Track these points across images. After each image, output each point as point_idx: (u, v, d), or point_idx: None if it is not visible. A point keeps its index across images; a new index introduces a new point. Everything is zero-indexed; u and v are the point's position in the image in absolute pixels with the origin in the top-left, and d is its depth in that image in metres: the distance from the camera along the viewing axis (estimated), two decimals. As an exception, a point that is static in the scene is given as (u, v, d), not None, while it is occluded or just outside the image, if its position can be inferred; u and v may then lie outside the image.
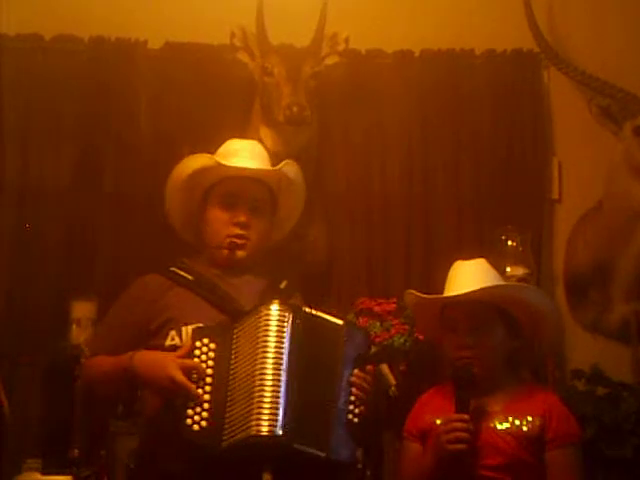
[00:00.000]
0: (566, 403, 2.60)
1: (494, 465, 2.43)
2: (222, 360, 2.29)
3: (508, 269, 3.25)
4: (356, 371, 2.32)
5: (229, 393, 2.25)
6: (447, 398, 2.51)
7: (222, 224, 2.54)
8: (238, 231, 2.53)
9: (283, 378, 2.20)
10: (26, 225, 3.44)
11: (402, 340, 3.15)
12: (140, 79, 3.56)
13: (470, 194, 3.59)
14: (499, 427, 2.47)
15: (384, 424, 2.94)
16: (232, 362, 2.28)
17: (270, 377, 2.20)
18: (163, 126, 3.53)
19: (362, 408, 2.30)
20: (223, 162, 2.56)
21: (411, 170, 3.60)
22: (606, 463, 3.05)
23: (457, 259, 2.64)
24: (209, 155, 2.60)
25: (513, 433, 2.46)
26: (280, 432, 2.16)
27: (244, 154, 2.60)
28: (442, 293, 2.60)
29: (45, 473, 2.95)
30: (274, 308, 2.27)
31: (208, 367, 2.29)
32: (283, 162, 2.63)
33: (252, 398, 2.19)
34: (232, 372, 2.27)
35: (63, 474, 2.93)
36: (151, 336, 2.44)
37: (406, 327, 3.17)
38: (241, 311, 2.38)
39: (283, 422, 2.17)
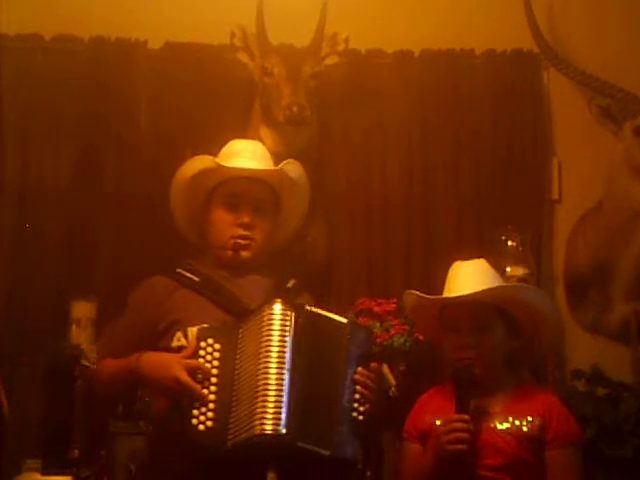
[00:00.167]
0: (566, 403, 2.60)
1: (494, 465, 2.43)
2: (227, 360, 2.29)
3: (508, 269, 3.25)
4: (360, 369, 2.32)
5: (234, 393, 2.26)
6: (447, 398, 2.51)
7: (226, 225, 2.55)
8: (242, 232, 2.53)
9: (286, 377, 2.21)
10: (26, 225, 3.43)
11: (402, 340, 3.15)
12: (140, 79, 3.55)
13: (470, 194, 3.58)
14: (499, 427, 2.47)
15: (384, 424, 2.94)
16: (237, 362, 2.29)
17: (273, 376, 2.21)
18: (163, 126, 3.53)
19: (367, 406, 2.31)
20: (225, 163, 2.56)
21: (411, 170, 3.59)
22: (606, 463, 3.05)
23: (457, 259, 2.64)
24: (211, 157, 2.60)
25: (513, 433, 2.45)
26: (284, 431, 2.17)
27: (246, 154, 2.61)
28: (442, 293, 2.60)
29: (45, 473, 2.94)
30: (277, 307, 2.28)
31: (213, 367, 2.29)
32: (284, 161, 2.63)
33: (256, 397, 2.20)
34: (237, 372, 2.28)
35: (63, 474, 2.92)
36: (159, 338, 2.44)
37: (406, 327, 3.16)
38: (247, 311, 2.38)
39: (287, 421, 2.17)
